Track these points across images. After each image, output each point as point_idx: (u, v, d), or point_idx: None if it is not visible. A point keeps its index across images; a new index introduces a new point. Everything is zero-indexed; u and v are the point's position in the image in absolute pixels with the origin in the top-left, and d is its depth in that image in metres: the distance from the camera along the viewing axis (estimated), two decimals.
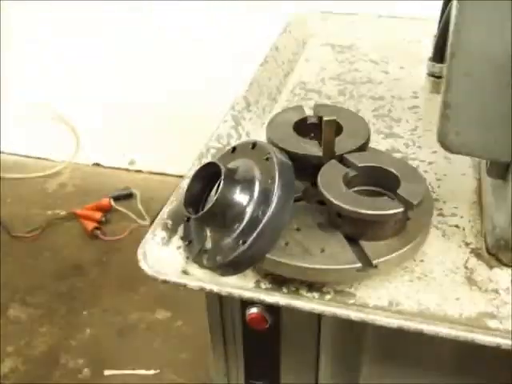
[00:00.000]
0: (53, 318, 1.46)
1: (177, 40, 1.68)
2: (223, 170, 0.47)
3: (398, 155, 0.64)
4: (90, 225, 1.69)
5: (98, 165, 1.99)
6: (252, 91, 0.71)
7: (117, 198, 1.78)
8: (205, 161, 0.58)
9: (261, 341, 0.58)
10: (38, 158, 2.00)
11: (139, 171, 1.95)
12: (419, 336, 0.44)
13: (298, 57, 0.85)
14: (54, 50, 1.80)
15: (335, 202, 0.47)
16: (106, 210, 1.76)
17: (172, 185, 2.01)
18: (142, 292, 1.52)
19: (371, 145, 0.60)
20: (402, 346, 0.52)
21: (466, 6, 0.44)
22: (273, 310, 0.54)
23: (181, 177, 1.99)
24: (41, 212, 1.79)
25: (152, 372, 1.33)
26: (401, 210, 0.46)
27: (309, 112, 0.59)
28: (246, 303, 0.54)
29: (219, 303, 0.57)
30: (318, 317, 0.53)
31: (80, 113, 1.87)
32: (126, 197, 1.80)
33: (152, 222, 1.71)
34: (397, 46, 0.88)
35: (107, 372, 1.34)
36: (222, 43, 1.64)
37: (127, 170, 1.96)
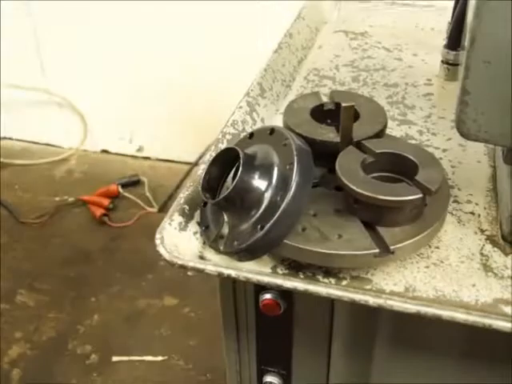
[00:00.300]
0: (61, 304, 1.47)
1: (186, 27, 1.67)
2: (242, 156, 0.47)
3: (412, 142, 0.64)
4: (98, 211, 1.70)
5: (105, 151, 1.99)
6: (266, 77, 0.71)
7: (125, 185, 1.79)
8: (221, 146, 0.58)
9: (274, 327, 0.58)
10: (46, 145, 2.01)
11: (147, 158, 1.96)
12: (432, 321, 0.45)
13: (312, 43, 0.85)
14: (62, 35, 1.80)
15: (353, 187, 0.47)
16: (114, 197, 1.76)
17: (179, 172, 2.04)
18: (149, 279, 1.53)
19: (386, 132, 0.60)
20: (414, 330, 0.53)
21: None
22: (286, 295, 0.54)
23: (188, 164, 2.00)
24: (48, 198, 1.80)
25: (160, 358, 1.35)
26: (419, 196, 0.46)
27: (324, 98, 0.59)
28: (260, 289, 0.54)
29: (233, 289, 0.57)
30: (332, 302, 0.54)
31: (88, 99, 1.87)
32: (134, 184, 1.81)
33: (160, 208, 1.71)
34: (410, 33, 0.87)
35: (115, 358, 1.35)
36: (233, 33, 1.63)
37: (135, 156, 1.96)
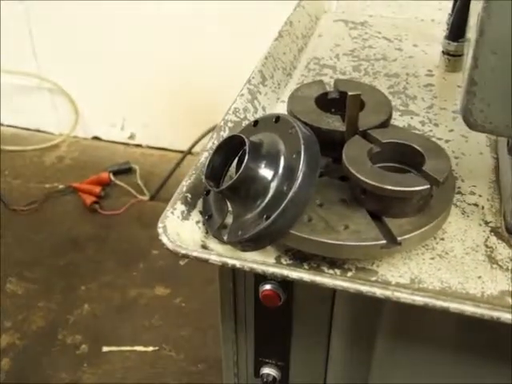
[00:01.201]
0: (50, 294, 1.45)
1: (178, 13, 1.65)
2: (248, 144, 0.46)
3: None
4: (89, 199, 1.68)
5: (97, 138, 1.97)
6: (267, 65, 0.70)
7: (116, 173, 1.77)
8: (223, 134, 0.57)
9: (273, 318, 0.57)
10: (37, 131, 1.98)
11: (139, 145, 1.93)
12: (434, 314, 0.44)
13: (312, 32, 0.84)
14: (54, 21, 1.77)
15: (361, 177, 0.46)
16: (105, 185, 1.74)
17: (171, 160, 2.02)
18: (140, 268, 1.52)
19: None
20: (415, 323, 0.52)
21: None
22: (287, 286, 0.53)
23: (180, 152, 1.98)
24: (39, 185, 1.77)
25: (151, 349, 1.34)
26: (427, 186, 0.46)
27: (327, 87, 0.59)
28: (260, 280, 0.54)
29: (232, 280, 0.57)
30: (332, 294, 0.53)
31: (80, 85, 1.84)
32: (126, 171, 1.79)
33: (152, 196, 1.69)
34: (410, 23, 0.87)
35: (105, 348, 1.34)
36: (225, 18, 1.62)
37: (127, 144, 1.94)
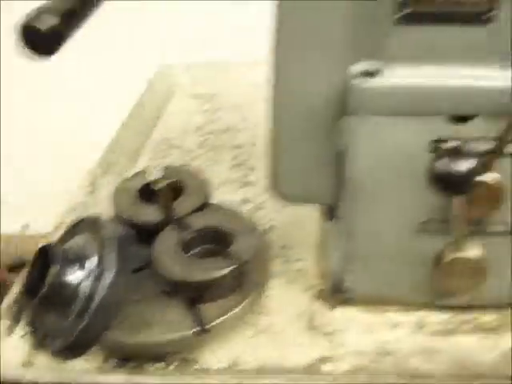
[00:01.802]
0: None
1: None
2: (52, 254, 0.47)
3: (248, 205, 0.66)
4: None
5: None
6: (112, 152, 0.71)
7: (11, 269, 1.68)
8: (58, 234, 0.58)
9: None
10: None
11: (33, 237, 1.81)
12: None
13: (163, 112, 0.87)
14: None
15: (165, 271, 0.48)
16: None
17: None
18: None
19: (225, 197, 0.62)
20: None
21: (280, 55, 0.46)
22: None
23: None
24: None
25: None
26: (230, 268, 0.48)
27: (159, 174, 0.60)
28: None
29: None
30: None
31: None
32: (21, 266, 1.67)
33: None
34: (258, 90, 0.91)
35: None
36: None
37: (21, 235, 1.79)
